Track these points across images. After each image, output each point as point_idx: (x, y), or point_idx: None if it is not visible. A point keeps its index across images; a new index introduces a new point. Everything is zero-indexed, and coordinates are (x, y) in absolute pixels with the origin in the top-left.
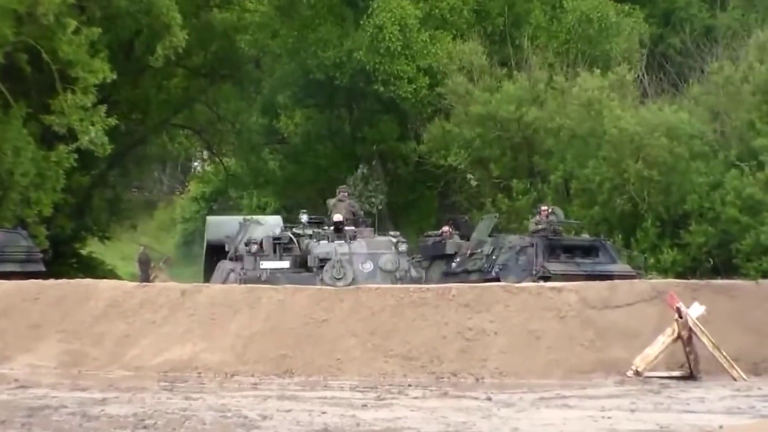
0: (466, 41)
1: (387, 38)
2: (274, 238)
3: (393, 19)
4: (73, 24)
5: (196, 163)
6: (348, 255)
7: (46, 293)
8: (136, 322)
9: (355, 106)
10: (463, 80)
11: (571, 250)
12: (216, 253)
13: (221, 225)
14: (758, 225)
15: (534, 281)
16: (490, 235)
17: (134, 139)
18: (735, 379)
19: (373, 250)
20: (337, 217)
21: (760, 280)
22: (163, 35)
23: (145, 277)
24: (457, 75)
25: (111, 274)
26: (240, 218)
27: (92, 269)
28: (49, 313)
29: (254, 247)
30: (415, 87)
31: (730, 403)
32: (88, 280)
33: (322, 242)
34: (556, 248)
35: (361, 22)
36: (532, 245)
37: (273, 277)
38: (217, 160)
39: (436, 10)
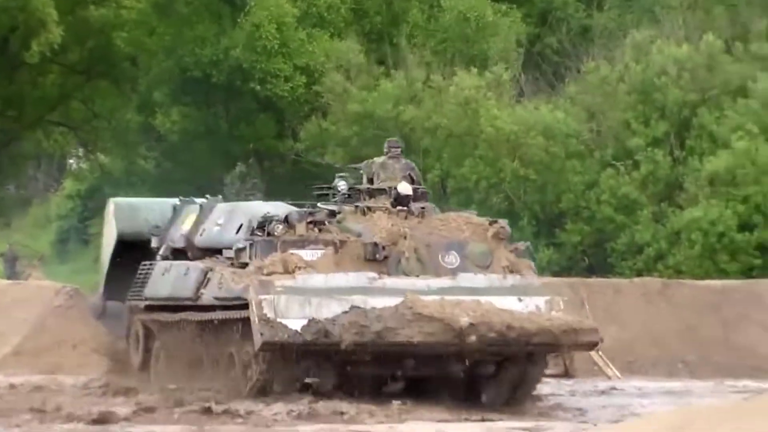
0: (344, 40)
1: (264, 36)
2: (309, 215)
3: (270, 18)
4: None
5: (71, 161)
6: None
7: None
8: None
9: (232, 104)
10: (340, 79)
11: None
12: (126, 249)
13: (136, 211)
14: (633, 224)
15: None
16: None
17: (8, 136)
18: (610, 378)
19: (456, 236)
20: (404, 187)
21: (635, 279)
22: (38, 31)
23: (12, 274)
24: (334, 73)
25: None
26: (165, 201)
27: None
28: None
29: (279, 228)
30: (292, 85)
31: (605, 400)
32: None
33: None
34: None
35: (239, 20)
36: None
37: None
38: (92, 157)
39: (314, 9)
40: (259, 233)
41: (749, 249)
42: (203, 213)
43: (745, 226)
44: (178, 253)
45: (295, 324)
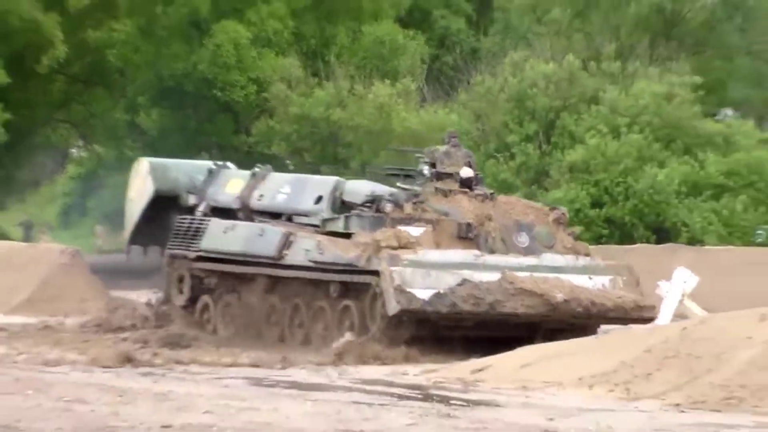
0: (286, 57)
1: (224, 54)
2: (413, 195)
3: (228, 39)
4: None
5: (73, 150)
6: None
7: None
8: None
9: (199, 107)
10: (283, 88)
11: None
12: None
13: (168, 170)
14: None
15: None
16: None
17: (24, 130)
18: None
19: (525, 218)
20: (466, 171)
21: None
22: (47, 48)
23: (27, 238)
24: (278, 84)
25: (4, 237)
26: (193, 162)
27: None
28: None
29: (389, 206)
30: (245, 93)
31: None
32: None
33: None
34: None
35: (204, 41)
36: None
37: None
38: (89, 147)
39: (263, 33)
40: (366, 209)
41: (599, 222)
42: (255, 179)
43: (596, 204)
44: (218, 212)
45: (422, 294)
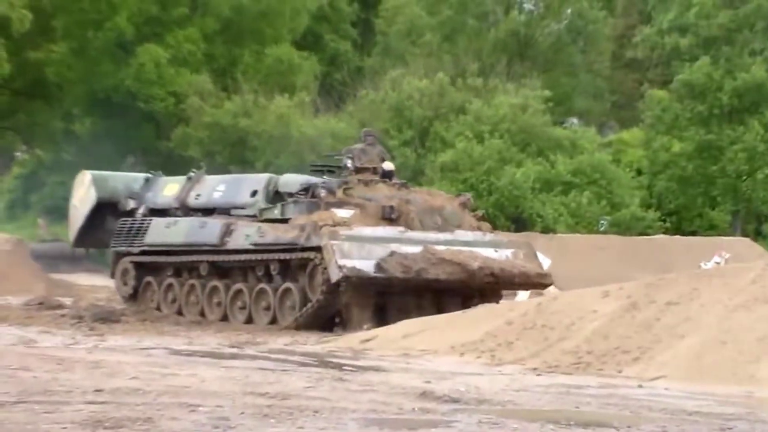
0: (200, 74)
1: (146, 71)
2: (344, 182)
3: (150, 59)
4: None
5: (18, 153)
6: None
7: None
8: None
9: (126, 116)
10: (198, 100)
11: None
12: (103, 212)
13: (107, 181)
14: None
15: None
16: None
17: None
18: None
19: (436, 202)
20: (389, 165)
21: None
22: None
23: None
24: (193, 97)
25: None
26: (129, 174)
27: None
28: None
29: (323, 193)
30: (165, 104)
31: None
32: None
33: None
34: None
35: (130, 61)
36: None
37: None
38: (31, 151)
39: (180, 54)
40: (301, 196)
41: None
42: (191, 182)
43: None
44: (156, 213)
45: (359, 263)
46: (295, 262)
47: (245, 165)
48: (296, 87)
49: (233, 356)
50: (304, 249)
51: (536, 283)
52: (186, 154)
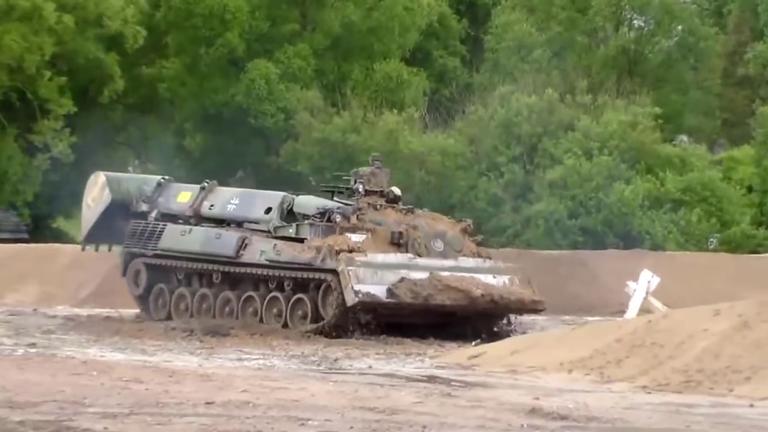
0: (309, 90)
1: (257, 87)
2: (358, 209)
3: (260, 75)
4: (48, 74)
5: (130, 168)
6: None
7: (28, 252)
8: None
9: (236, 131)
10: (307, 116)
11: None
12: (115, 212)
13: (121, 182)
14: (500, 213)
15: None
16: None
17: (88, 152)
18: None
19: (439, 228)
20: (397, 190)
21: (500, 249)
22: (108, 82)
23: None
24: (303, 112)
25: (72, 241)
26: (142, 176)
27: (60, 237)
28: (30, 266)
29: (339, 218)
30: (275, 120)
31: None
32: (57, 244)
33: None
34: None
35: (240, 77)
36: None
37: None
38: (144, 166)
39: (290, 69)
40: (317, 219)
41: (575, 230)
42: (205, 192)
43: (572, 215)
44: (167, 217)
45: (372, 288)
46: (309, 281)
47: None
48: (405, 103)
49: (342, 371)
50: (318, 270)
51: (531, 308)
52: (295, 170)
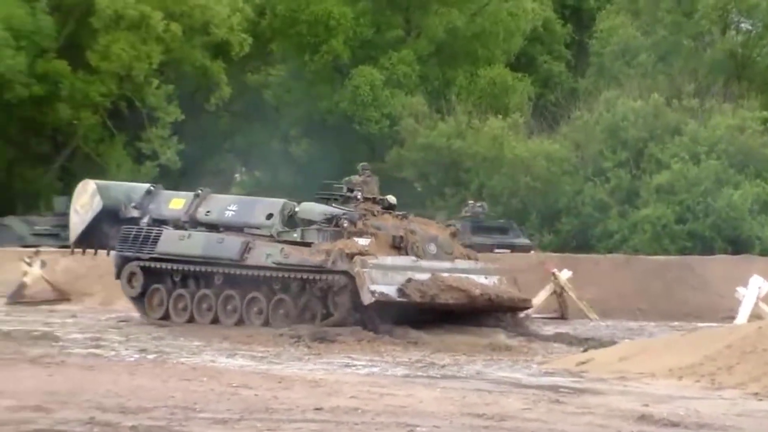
0: (414, 96)
1: (361, 94)
2: (362, 215)
3: (365, 82)
4: (156, 82)
5: (236, 175)
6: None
7: None
8: None
9: (341, 138)
10: (412, 122)
11: (491, 229)
12: (103, 218)
13: (110, 190)
14: (606, 219)
15: None
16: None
17: (195, 158)
18: (590, 319)
19: (431, 232)
20: (392, 198)
21: (607, 255)
22: (215, 90)
23: None
24: (407, 119)
25: None
26: (130, 184)
27: None
28: None
29: (346, 223)
30: (380, 126)
31: (591, 333)
32: None
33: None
34: (481, 227)
35: (345, 83)
36: (463, 226)
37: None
38: (250, 172)
39: (394, 76)
40: (324, 224)
41: (683, 235)
42: (199, 198)
43: (679, 220)
44: (159, 223)
45: (386, 289)
46: (317, 282)
47: (459, 186)
48: (510, 108)
49: (450, 377)
50: (329, 272)
51: (521, 306)
52: (400, 176)
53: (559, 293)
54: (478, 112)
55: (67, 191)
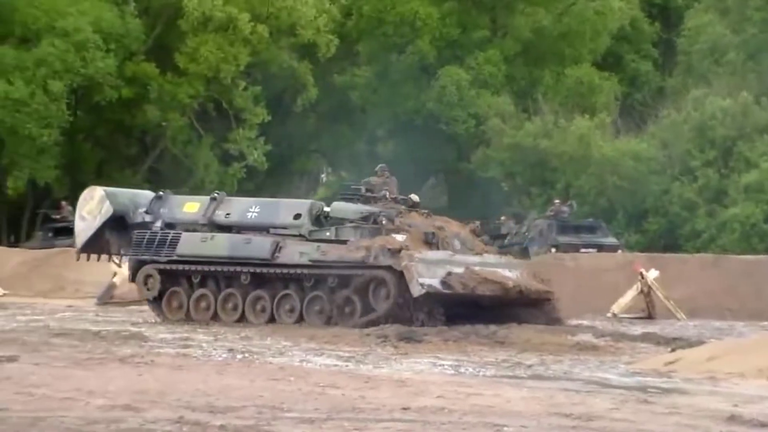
0: (500, 96)
1: (447, 94)
2: (398, 213)
3: (451, 82)
4: (243, 83)
5: (323, 175)
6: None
7: None
8: None
9: (427, 138)
10: (498, 122)
11: (579, 228)
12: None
13: (118, 196)
14: (694, 218)
15: (548, 251)
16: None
17: (282, 160)
18: (678, 319)
19: (454, 229)
20: (416, 197)
21: (695, 254)
22: (301, 91)
23: None
24: (494, 118)
25: None
26: (134, 191)
27: None
28: None
29: (385, 221)
30: (466, 126)
31: (679, 333)
32: None
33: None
34: (567, 227)
35: (431, 83)
36: (549, 225)
37: None
38: (336, 173)
39: (481, 76)
40: (362, 223)
41: None
42: (216, 202)
43: None
44: (170, 226)
45: (432, 281)
46: (359, 279)
47: (545, 186)
48: (597, 108)
49: (536, 376)
50: (371, 267)
51: (545, 298)
52: (486, 176)
53: (646, 293)
54: (564, 112)
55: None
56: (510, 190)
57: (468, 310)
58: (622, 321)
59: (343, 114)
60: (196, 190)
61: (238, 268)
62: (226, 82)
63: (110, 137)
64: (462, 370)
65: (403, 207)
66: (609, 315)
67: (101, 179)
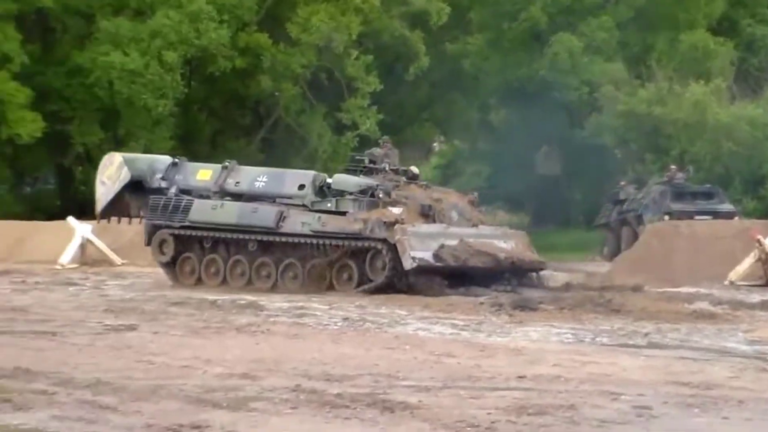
0: (613, 62)
1: (560, 61)
2: (395, 186)
3: (564, 49)
4: (355, 53)
5: (435, 144)
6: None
7: None
8: None
9: (540, 105)
10: (611, 88)
11: (695, 195)
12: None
13: (136, 162)
14: None
15: (660, 218)
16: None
17: (395, 128)
18: None
19: (452, 200)
20: (415, 169)
21: None
22: (413, 60)
23: None
24: (607, 85)
25: None
26: (153, 156)
27: None
28: None
29: (382, 194)
30: (579, 93)
31: None
32: None
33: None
34: (682, 193)
35: (544, 51)
36: (663, 192)
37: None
38: (449, 141)
39: (593, 42)
40: (361, 195)
41: None
42: (226, 171)
43: None
44: (185, 193)
45: (423, 254)
46: (355, 249)
47: (659, 153)
48: (712, 73)
49: (653, 345)
50: (367, 239)
51: (537, 267)
52: (599, 143)
53: (764, 260)
54: (678, 78)
55: (269, 163)
56: (623, 157)
57: (458, 281)
58: (739, 288)
59: (455, 82)
60: (309, 160)
61: (246, 236)
62: (338, 52)
63: (224, 108)
64: (578, 338)
65: (403, 179)
66: (726, 283)
67: (216, 150)
